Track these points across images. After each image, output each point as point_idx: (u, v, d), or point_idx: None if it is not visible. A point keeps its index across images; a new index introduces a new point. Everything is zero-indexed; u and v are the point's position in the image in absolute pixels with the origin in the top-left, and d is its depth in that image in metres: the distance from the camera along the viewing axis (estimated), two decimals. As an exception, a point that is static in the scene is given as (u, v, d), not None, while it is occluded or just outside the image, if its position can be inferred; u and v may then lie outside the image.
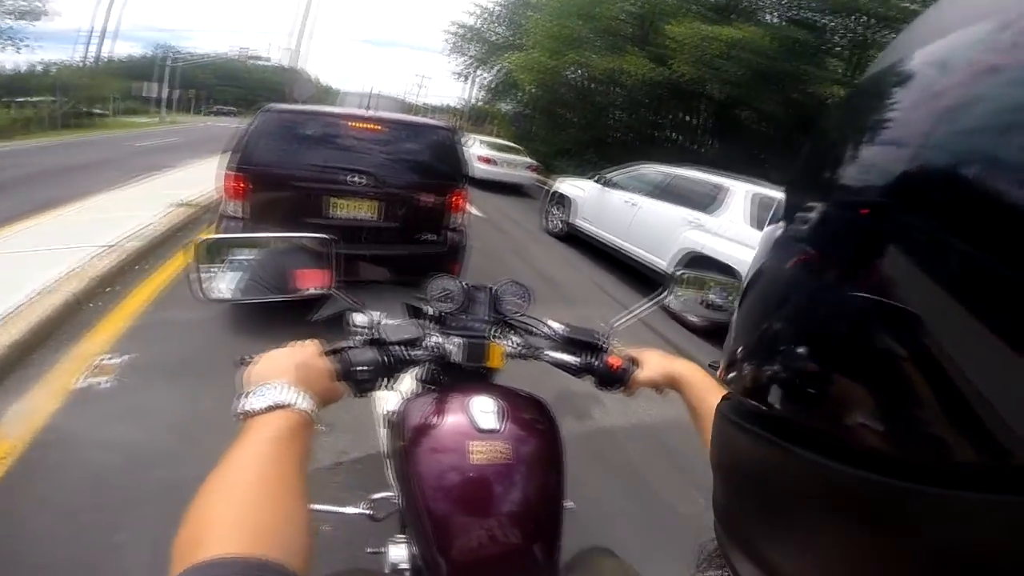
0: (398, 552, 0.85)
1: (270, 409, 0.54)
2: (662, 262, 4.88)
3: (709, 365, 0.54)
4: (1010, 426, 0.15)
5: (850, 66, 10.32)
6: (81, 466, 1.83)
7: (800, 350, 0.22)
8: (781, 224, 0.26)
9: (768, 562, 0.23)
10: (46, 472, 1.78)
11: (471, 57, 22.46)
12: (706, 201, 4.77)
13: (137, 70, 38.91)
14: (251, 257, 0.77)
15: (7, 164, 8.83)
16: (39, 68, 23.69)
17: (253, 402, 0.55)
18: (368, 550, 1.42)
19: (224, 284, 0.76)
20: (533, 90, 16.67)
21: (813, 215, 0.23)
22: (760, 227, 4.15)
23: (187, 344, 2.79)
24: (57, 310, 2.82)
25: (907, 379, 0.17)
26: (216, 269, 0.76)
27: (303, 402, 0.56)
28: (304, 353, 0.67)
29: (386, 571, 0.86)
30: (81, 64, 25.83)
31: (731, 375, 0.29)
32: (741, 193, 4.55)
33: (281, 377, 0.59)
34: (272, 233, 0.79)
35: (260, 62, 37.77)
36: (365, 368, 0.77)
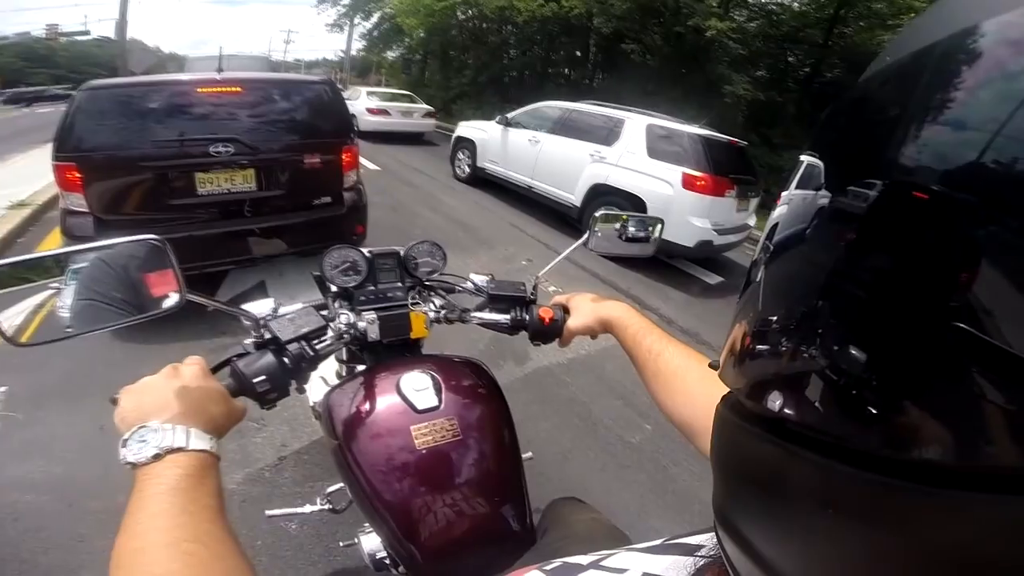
0: (371, 542, 0.81)
1: (158, 457, 0.46)
2: (571, 196, 4.99)
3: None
4: (1013, 428, 0.15)
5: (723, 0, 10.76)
6: (8, 510, 1.65)
7: (849, 353, 0.20)
8: (823, 194, 0.23)
9: (767, 562, 0.23)
10: None
11: (344, 6, 20.48)
12: (604, 133, 4.89)
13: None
14: (84, 268, 0.61)
15: None
16: None
17: (136, 452, 0.46)
18: (341, 543, 1.40)
19: (65, 305, 0.59)
20: (421, 34, 15.75)
21: (871, 193, 0.20)
22: (656, 157, 4.40)
23: (68, 362, 2.42)
24: None
25: (920, 379, 0.17)
26: (56, 286, 0.60)
27: (196, 441, 0.49)
28: (184, 376, 0.57)
29: (366, 562, 0.82)
30: None
31: (737, 370, 0.27)
32: (637, 124, 4.71)
33: (162, 414, 0.50)
34: (83, 245, 0.60)
35: (77, 37, 31.33)
36: (263, 378, 0.66)
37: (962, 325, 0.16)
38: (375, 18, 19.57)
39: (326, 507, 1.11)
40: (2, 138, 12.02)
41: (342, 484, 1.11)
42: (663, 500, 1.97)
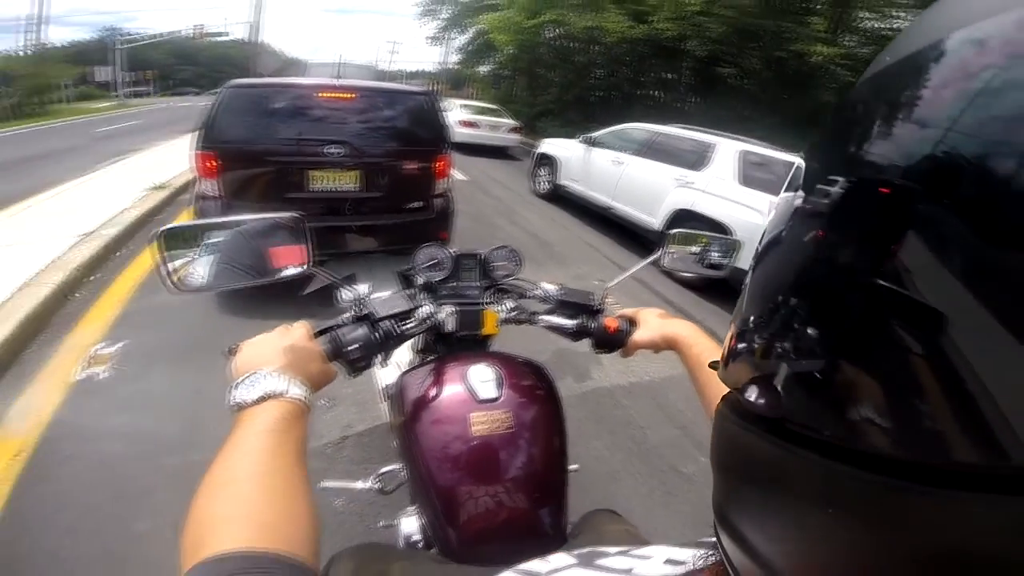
0: (409, 525, 0.87)
1: (261, 400, 0.52)
2: (652, 220, 4.88)
3: (709, 365, 0.54)
4: (1014, 428, 0.15)
5: (831, 24, 10.14)
6: (94, 458, 1.83)
7: (808, 335, 0.21)
8: (800, 194, 0.25)
9: (765, 560, 0.23)
10: (61, 467, 1.78)
11: (443, 20, 21.60)
12: (692, 158, 4.75)
13: (86, 55, 36.67)
14: (223, 240, 0.73)
15: (-38, 158, 8.39)
16: None
17: (244, 393, 0.53)
18: (381, 524, 1.46)
19: (198, 272, 0.72)
20: (511, 51, 16.20)
21: (835, 189, 0.22)
22: (748, 184, 4.21)
23: (178, 327, 2.76)
24: (44, 303, 2.75)
25: (916, 376, 0.17)
26: (187, 256, 0.72)
27: (295, 389, 0.55)
28: (293, 336, 0.65)
29: (400, 543, 0.88)
30: (22, 53, 24.04)
31: (731, 366, 0.28)
32: (729, 150, 4.53)
33: (270, 364, 0.58)
34: (238, 216, 0.74)
35: (218, 38, 35.58)
36: (356, 346, 0.75)
37: (893, 289, 0.17)
38: (470, 33, 20.29)
39: (376, 486, 1.18)
40: (150, 127, 13.96)
41: (394, 466, 1.18)
42: (704, 533, 1.85)
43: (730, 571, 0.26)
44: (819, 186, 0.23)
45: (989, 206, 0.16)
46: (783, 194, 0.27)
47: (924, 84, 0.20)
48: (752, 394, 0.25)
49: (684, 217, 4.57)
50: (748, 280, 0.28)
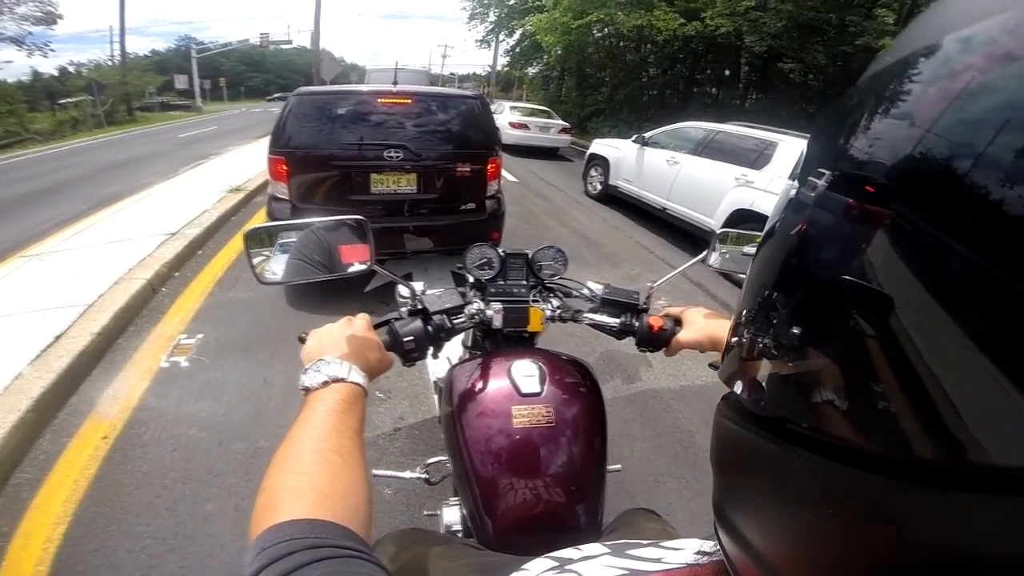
0: (451, 514, 0.92)
1: (325, 384, 0.58)
2: (709, 220, 4.71)
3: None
4: (965, 422, 0.15)
5: (900, 17, 9.48)
6: (172, 441, 2.00)
7: (787, 329, 0.22)
8: (795, 184, 0.25)
9: (764, 559, 0.23)
10: (144, 448, 1.97)
11: (491, 23, 21.86)
12: (753, 157, 4.55)
13: (163, 64, 39.81)
14: (297, 238, 0.81)
15: (63, 164, 9.39)
16: (71, 70, 24.54)
17: (311, 379, 0.58)
18: (425, 513, 1.53)
19: (276, 267, 0.79)
20: (559, 51, 16.14)
21: (820, 182, 0.22)
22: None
23: (250, 321, 2.97)
24: (135, 296, 3.03)
25: (876, 369, 0.18)
26: (267, 253, 0.79)
27: (355, 375, 0.60)
28: (354, 327, 0.70)
29: (440, 531, 0.92)
30: (109, 63, 26.57)
31: (726, 361, 0.28)
32: (792, 148, 4.31)
33: (334, 352, 0.63)
34: (310, 218, 0.81)
35: (283, 46, 37.84)
36: (411, 338, 0.81)
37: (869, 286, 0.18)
38: (517, 35, 20.41)
39: (423, 476, 1.22)
40: (224, 133, 15.03)
41: (441, 458, 1.22)
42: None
43: (729, 569, 0.26)
44: (810, 178, 0.23)
45: (954, 207, 0.16)
46: (785, 183, 0.27)
47: (913, 86, 0.20)
48: (739, 387, 0.26)
49: (743, 217, 4.39)
50: (747, 273, 0.29)
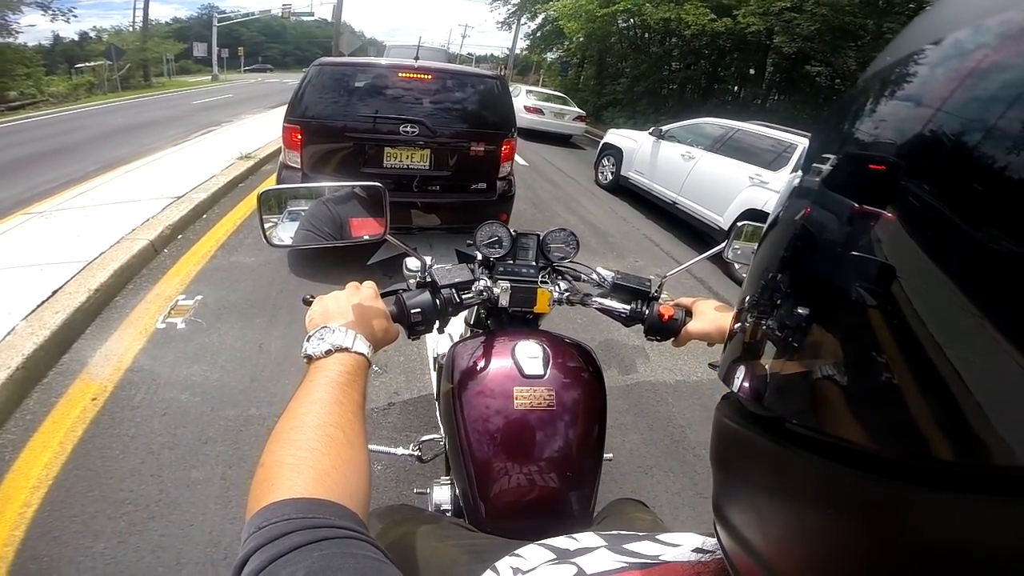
0: (441, 493, 0.92)
1: (328, 353, 0.55)
2: (719, 217, 4.65)
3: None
4: (992, 423, 0.14)
5: None
6: (162, 405, 1.97)
7: (788, 314, 0.22)
8: (797, 175, 0.25)
9: (763, 559, 0.23)
10: (133, 412, 1.93)
11: (514, 4, 21.55)
12: (770, 157, 4.47)
13: (184, 32, 39.60)
14: (308, 206, 0.80)
15: (75, 127, 9.35)
16: (92, 35, 24.43)
17: (314, 346, 0.56)
18: (415, 490, 1.49)
19: (285, 232, 0.79)
20: (580, 39, 15.91)
21: (825, 166, 0.22)
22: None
23: (251, 286, 2.95)
24: (136, 255, 3.02)
25: (889, 363, 0.17)
26: (278, 218, 0.79)
27: (359, 345, 0.58)
28: (361, 295, 0.68)
29: (430, 509, 0.91)
30: (131, 29, 26.44)
31: (724, 354, 0.28)
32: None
33: (339, 319, 0.61)
34: (327, 182, 0.80)
35: (304, 18, 37.49)
36: (418, 310, 0.78)
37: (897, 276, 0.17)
38: (539, 19, 20.21)
39: (415, 453, 1.20)
40: (239, 101, 14.97)
41: (434, 436, 1.19)
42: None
43: (729, 568, 0.26)
44: (814, 165, 0.23)
45: (967, 183, 0.16)
46: (787, 176, 0.26)
47: (917, 75, 0.20)
48: (738, 386, 0.26)
49: (753, 216, 4.30)
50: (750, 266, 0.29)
